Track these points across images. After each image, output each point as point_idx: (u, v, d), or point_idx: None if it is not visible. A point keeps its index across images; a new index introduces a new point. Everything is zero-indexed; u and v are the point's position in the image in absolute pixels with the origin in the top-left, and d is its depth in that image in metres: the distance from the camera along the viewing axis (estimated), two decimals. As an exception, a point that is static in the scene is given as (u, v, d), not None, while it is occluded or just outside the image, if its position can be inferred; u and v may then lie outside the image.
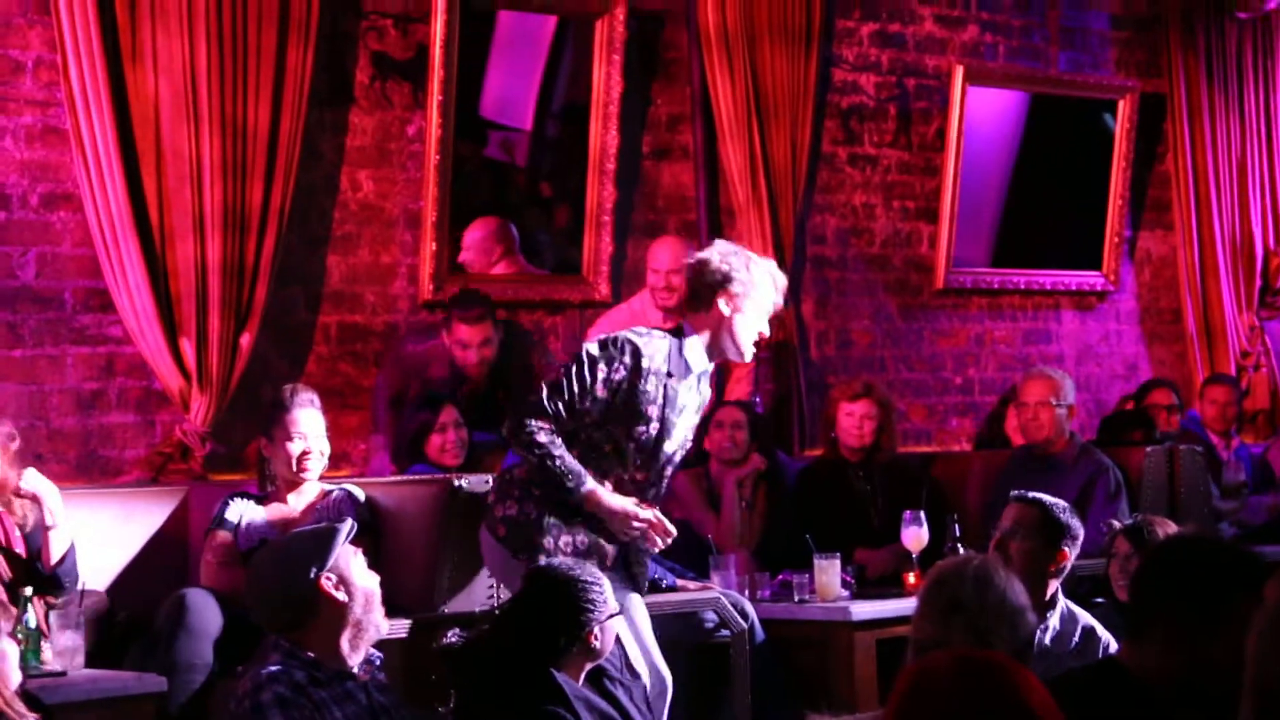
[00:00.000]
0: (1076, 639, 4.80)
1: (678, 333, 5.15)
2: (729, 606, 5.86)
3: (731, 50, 7.72)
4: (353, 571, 3.96)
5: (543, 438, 4.94)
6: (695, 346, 5.11)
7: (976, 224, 8.78)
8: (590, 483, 4.96)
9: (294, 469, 5.58)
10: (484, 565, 5.31)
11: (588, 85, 7.50)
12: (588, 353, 5.02)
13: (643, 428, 5.02)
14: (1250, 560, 3.44)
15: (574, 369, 5.00)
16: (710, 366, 5.22)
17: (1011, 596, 3.40)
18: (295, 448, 5.57)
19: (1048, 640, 4.78)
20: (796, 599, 6.11)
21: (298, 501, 5.63)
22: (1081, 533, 4.90)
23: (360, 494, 5.70)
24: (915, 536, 6.29)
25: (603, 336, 5.13)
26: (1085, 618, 4.90)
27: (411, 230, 7.06)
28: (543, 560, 4.78)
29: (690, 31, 7.78)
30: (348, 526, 4.05)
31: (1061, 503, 4.96)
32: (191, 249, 6.30)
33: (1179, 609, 3.30)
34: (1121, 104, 9.08)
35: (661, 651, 5.21)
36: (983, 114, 8.70)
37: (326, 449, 5.65)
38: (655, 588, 6.00)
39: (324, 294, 6.89)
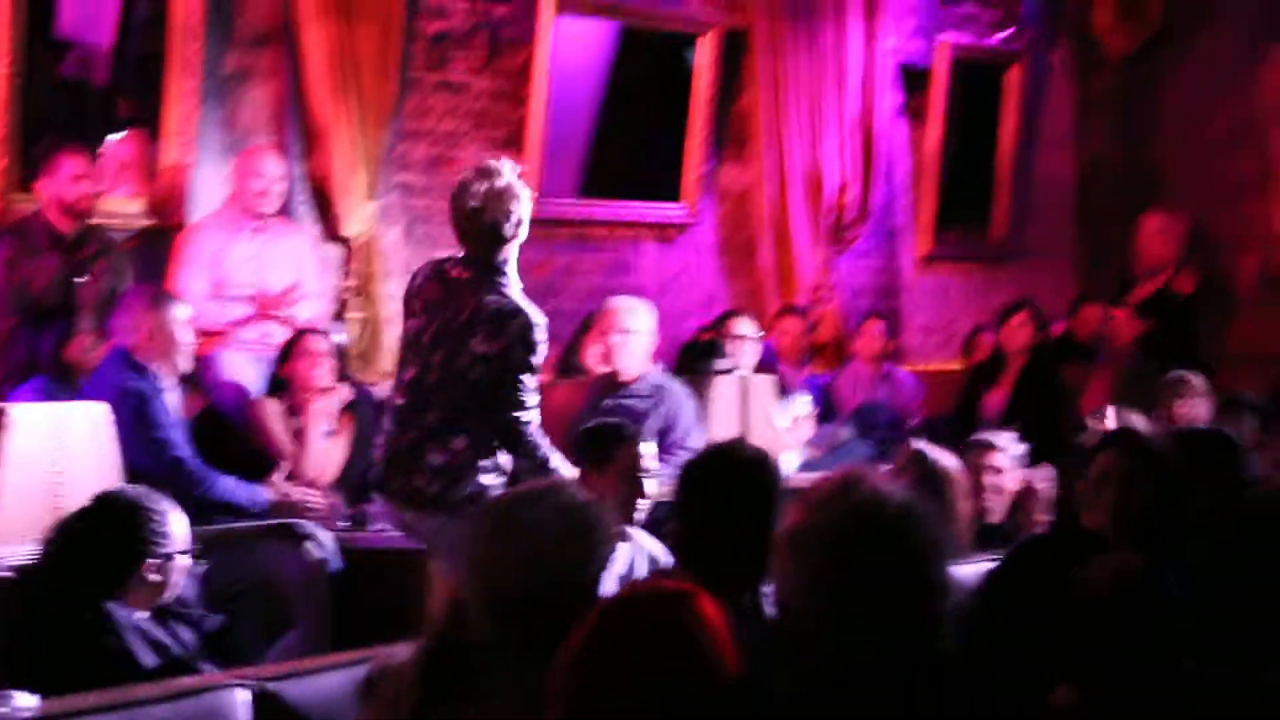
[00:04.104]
0: (645, 569, 4.95)
1: (493, 269, 5.37)
2: (304, 536, 5.81)
3: (318, -30, 7.60)
4: None
5: (553, 459, 5.35)
6: (514, 276, 5.41)
7: (565, 155, 8.86)
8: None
9: None
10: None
11: (169, 2, 7.28)
12: (528, 361, 5.30)
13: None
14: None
15: (526, 377, 5.31)
16: None
17: (573, 520, 3.16)
18: None
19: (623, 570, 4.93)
20: (375, 528, 6.10)
21: None
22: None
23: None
24: (496, 464, 6.35)
25: (523, 342, 5.30)
26: (649, 545, 5.07)
27: (-22, 147, 6.76)
28: None
29: (276, -51, 7.63)
30: None
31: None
32: None
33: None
34: (704, 38, 9.27)
35: (237, 582, 5.18)
36: (572, 44, 8.77)
37: None
38: (247, 512, 5.95)
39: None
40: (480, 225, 5.36)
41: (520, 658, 3.02)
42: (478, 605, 3.07)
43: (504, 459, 5.39)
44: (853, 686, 2.55)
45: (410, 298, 5.56)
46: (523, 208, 5.39)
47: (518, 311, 5.32)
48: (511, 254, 5.42)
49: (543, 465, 5.32)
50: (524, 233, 5.44)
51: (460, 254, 5.47)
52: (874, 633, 2.55)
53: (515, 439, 5.34)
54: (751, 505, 3.63)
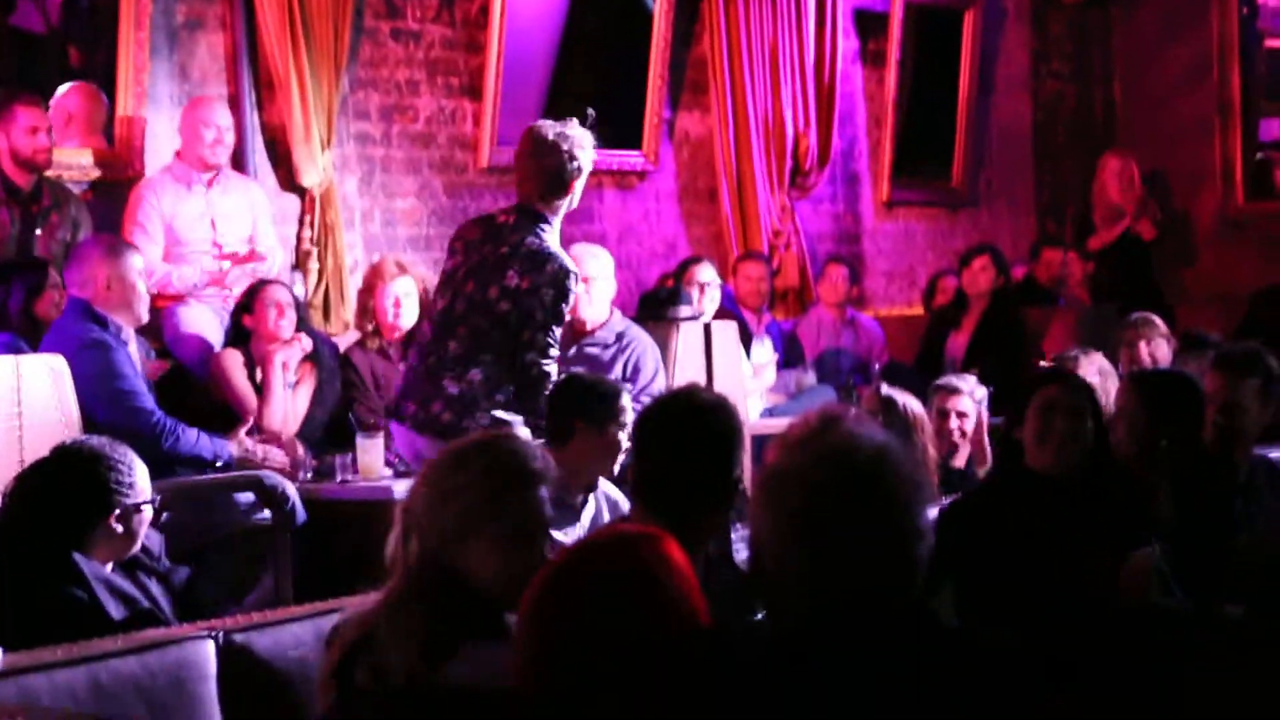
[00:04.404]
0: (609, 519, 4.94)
1: (539, 217, 5.57)
2: (269, 488, 5.77)
3: (268, -83, 7.50)
4: None
5: None
6: (557, 230, 5.65)
7: (522, 102, 8.79)
8: None
9: None
10: None
11: (117, -48, 7.19)
12: (557, 306, 5.48)
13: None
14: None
15: (554, 325, 5.49)
16: None
17: (507, 463, 3.07)
18: None
19: (586, 521, 4.92)
20: (339, 479, 6.05)
21: None
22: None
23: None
24: (458, 413, 6.33)
25: (555, 285, 5.49)
26: (616, 495, 5.05)
27: (-74, 100, 6.65)
28: None
29: (225, -104, 7.53)
30: None
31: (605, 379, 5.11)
32: None
33: None
34: (661, -16, 9.22)
35: (202, 535, 5.14)
36: (527, -8, 8.70)
37: None
38: (210, 466, 5.91)
39: None
40: (543, 166, 5.58)
41: (432, 609, 2.97)
42: (402, 550, 3.04)
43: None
44: (829, 633, 2.52)
45: (453, 240, 5.80)
46: (585, 160, 5.62)
47: (554, 256, 5.53)
48: (561, 208, 5.63)
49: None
50: (579, 190, 5.65)
51: (512, 204, 5.73)
52: (850, 579, 2.51)
53: (531, 385, 5.47)
54: (710, 450, 3.63)
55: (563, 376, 5.38)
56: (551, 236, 5.59)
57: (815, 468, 2.55)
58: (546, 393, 5.38)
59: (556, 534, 4.69)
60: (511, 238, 5.57)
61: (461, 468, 3.03)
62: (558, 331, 5.55)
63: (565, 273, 5.52)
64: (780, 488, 2.57)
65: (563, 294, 5.51)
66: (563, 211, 5.66)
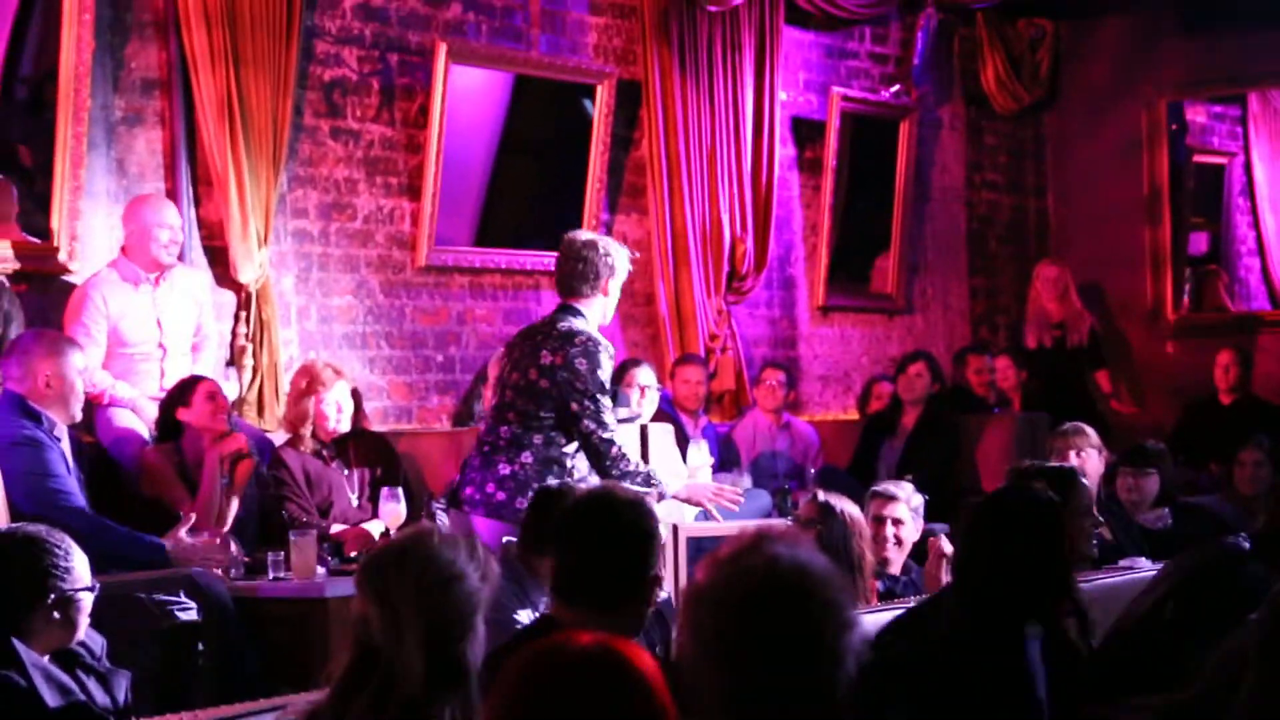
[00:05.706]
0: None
1: (575, 311, 5.96)
2: (200, 586, 5.68)
3: (210, 15, 7.48)
4: None
5: (631, 466, 5.81)
6: (594, 325, 5.99)
7: (460, 203, 8.81)
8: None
9: None
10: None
11: (57, 47, 7.14)
12: (595, 375, 5.80)
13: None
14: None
15: (600, 395, 5.79)
16: None
17: (439, 568, 3.11)
18: None
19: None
20: (272, 577, 5.99)
21: None
22: None
23: None
24: (393, 513, 6.30)
25: (586, 355, 5.83)
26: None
27: None
28: None
29: (168, -7, 7.53)
30: None
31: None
32: None
33: None
34: (600, 89, 9.27)
35: (128, 632, 5.05)
36: (467, 93, 8.73)
37: None
38: (142, 565, 5.84)
39: None
40: (576, 269, 5.96)
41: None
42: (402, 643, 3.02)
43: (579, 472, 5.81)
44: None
45: (504, 351, 6.28)
46: (619, 264, 6.00)
47: (584, 332, 5.88)
48: (596, 305, 5.98)
49: (642, 480, 5.71)
50: (615, 294, 6.04)
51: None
52: (765, 699, 2.51)
53: (596, 455, 5.77)
54: (626, 546, 3.68)
55: (557, 487, 5.34)
56: (587, 323, 5.94)
57: (733, 589, 2.56)
58: (618, 455, 5.75)
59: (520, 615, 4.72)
60: (545, 327, 5.98)
61: (454, 554, 3.06)
62: (606, 401, 5.83)
63: (595, 343, 5.86)
64: (700, 606, 2.60)
65: (596, 362, 5.82)
66: (598, 310, 6.00)
